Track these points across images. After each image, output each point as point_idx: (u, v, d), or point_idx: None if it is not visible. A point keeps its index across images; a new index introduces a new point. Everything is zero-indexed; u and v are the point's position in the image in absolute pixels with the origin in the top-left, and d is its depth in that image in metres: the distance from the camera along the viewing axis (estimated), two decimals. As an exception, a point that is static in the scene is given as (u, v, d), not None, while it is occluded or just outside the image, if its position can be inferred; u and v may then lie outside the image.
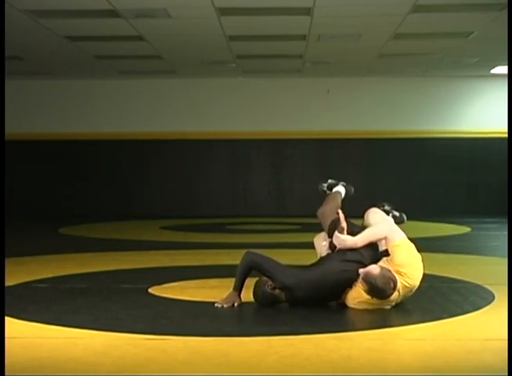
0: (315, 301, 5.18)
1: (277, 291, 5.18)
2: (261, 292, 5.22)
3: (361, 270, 5.02)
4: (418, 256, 5.26)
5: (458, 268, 6.99)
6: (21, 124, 14.50)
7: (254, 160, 14.95)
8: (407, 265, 5.11)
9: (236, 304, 5.20)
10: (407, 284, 5.08)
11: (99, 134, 14.74)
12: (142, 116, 14.77)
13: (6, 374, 3.48)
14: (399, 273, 5.05)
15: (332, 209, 5.67)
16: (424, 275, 6.54)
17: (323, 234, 5.65)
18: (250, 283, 5.31)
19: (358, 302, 5.11)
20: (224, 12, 8.93)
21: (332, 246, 5.40)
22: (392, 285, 4.97)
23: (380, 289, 4.93)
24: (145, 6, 8.71)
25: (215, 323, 4.80)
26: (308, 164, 14.80)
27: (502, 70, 13.38)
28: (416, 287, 5.19)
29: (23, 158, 14.76)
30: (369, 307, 5.08)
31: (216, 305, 5.19)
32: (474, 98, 14.71)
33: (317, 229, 5.87)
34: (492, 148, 14.56)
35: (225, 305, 5.16)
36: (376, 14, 9.13)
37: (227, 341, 4.23)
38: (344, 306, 5.17)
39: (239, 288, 5.25)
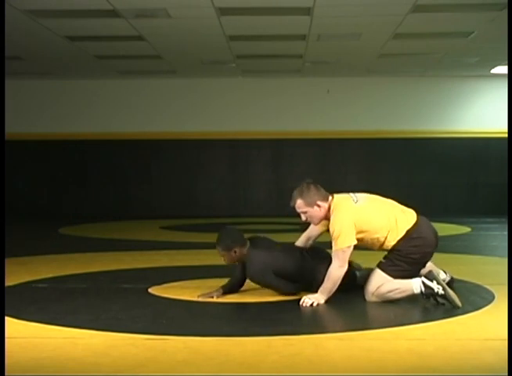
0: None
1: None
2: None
3: None
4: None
5: (458, 268, 6.97)
6: (21, 124, 14.50)
7: (254, 160, 14.94)
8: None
9: (215, 296, 5.49)
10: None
11: (99, 134, 14.74)
12: (142, 116, 14.77)
13: (6, 374, 3.48)
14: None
15: None
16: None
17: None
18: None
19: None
20: (224, 12, 8.93)
21: None
22: None
23: None
24: (145, 6, 8.72)
25: (215, 323, 4.80)
26: (308, 164, 14.79)
27: (502, 70, 13.39)
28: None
29: (23, 158, 14.77)
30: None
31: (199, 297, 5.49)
32: (473, 98, 14.71)
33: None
34: (491, 148, 14.56)
35: (207, 298, 5.46)
36: (376, 14, 9.14)
37: (227, 341, 4.23)
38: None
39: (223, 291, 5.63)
